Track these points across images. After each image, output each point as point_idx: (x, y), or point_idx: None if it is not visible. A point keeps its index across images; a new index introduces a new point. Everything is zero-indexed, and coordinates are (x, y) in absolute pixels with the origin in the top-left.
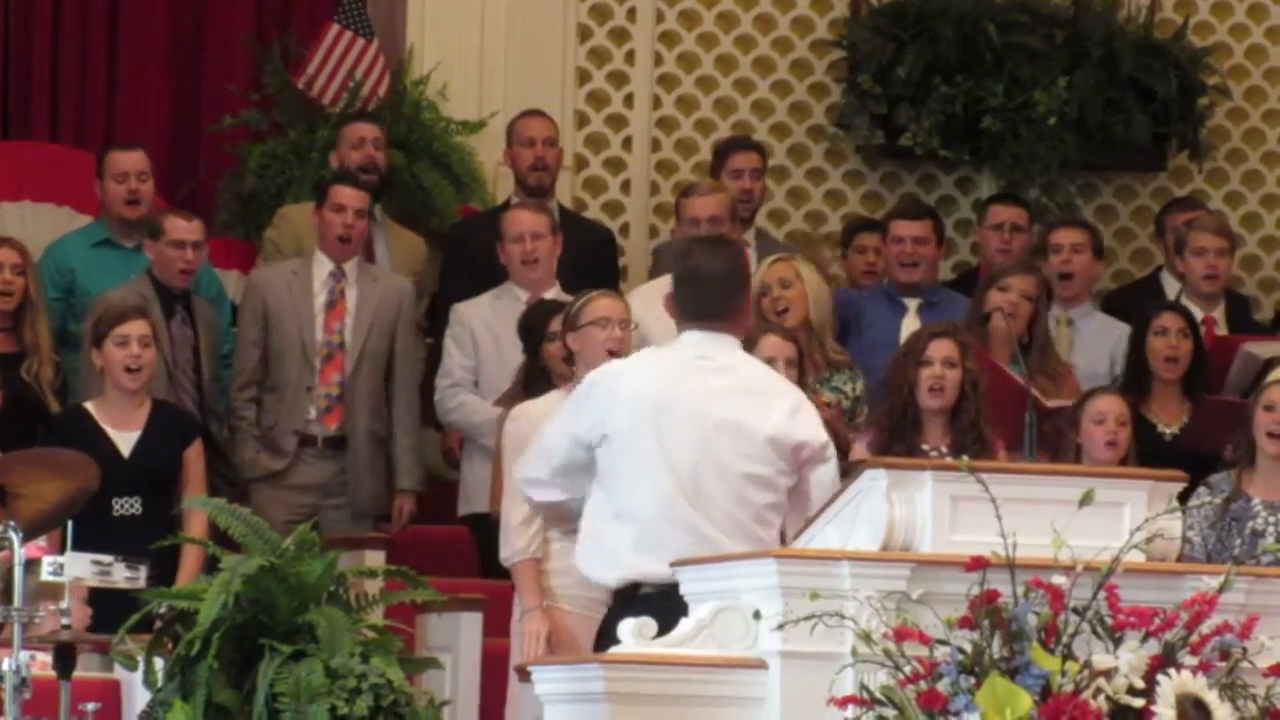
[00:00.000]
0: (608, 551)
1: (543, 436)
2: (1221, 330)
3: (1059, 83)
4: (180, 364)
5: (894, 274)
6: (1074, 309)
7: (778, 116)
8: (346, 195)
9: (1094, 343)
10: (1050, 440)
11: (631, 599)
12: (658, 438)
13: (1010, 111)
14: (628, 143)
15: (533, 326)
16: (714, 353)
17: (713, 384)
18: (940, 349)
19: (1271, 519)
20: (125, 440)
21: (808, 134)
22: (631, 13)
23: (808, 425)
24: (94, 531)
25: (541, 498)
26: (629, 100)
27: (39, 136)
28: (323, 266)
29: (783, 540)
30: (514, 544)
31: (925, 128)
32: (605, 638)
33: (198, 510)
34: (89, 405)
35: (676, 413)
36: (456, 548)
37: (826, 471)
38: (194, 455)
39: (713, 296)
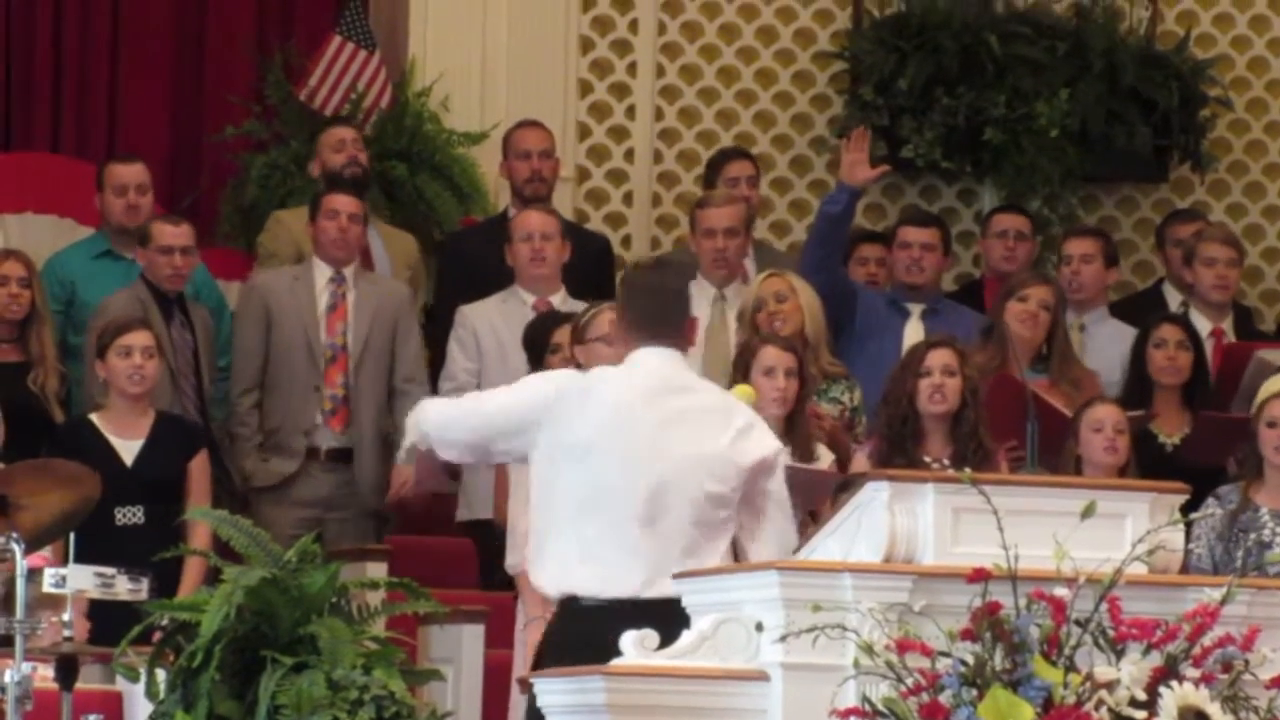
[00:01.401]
0: (555, 562)
1: (487, 405)
2: (1231, 341)
3: (1061, 94)
4: (181, 369)
5: (899, 277)
6: (1086, 314)
7: (780, 128)
8: (339, 202)
9: (1106, 349)
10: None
11: (571, 610)
12: (619, 457)
13: (1012, 123)
14: (629, 154)
15: (537, 338)
16: (671, 372)
17: (673, 404)
18: (939, 358)
19: (1279, 530)
20: (128, 449)
21: (810, 145)
22: (633, 24)
23: (762, 439)
24: (96, 541)
25: (445, 448)
26: (631, 112)
27: (40, 148)
28: (323, 272)
29: (736, 554)
30: (520, 551)
31: (927, 139)
32: (548, 647)
33: (200, 521)
34: (93, 416)
35: (640, 433)
36: (458, 559)
37: (778, 479)
38: (198, 466)
39: (669, 314)
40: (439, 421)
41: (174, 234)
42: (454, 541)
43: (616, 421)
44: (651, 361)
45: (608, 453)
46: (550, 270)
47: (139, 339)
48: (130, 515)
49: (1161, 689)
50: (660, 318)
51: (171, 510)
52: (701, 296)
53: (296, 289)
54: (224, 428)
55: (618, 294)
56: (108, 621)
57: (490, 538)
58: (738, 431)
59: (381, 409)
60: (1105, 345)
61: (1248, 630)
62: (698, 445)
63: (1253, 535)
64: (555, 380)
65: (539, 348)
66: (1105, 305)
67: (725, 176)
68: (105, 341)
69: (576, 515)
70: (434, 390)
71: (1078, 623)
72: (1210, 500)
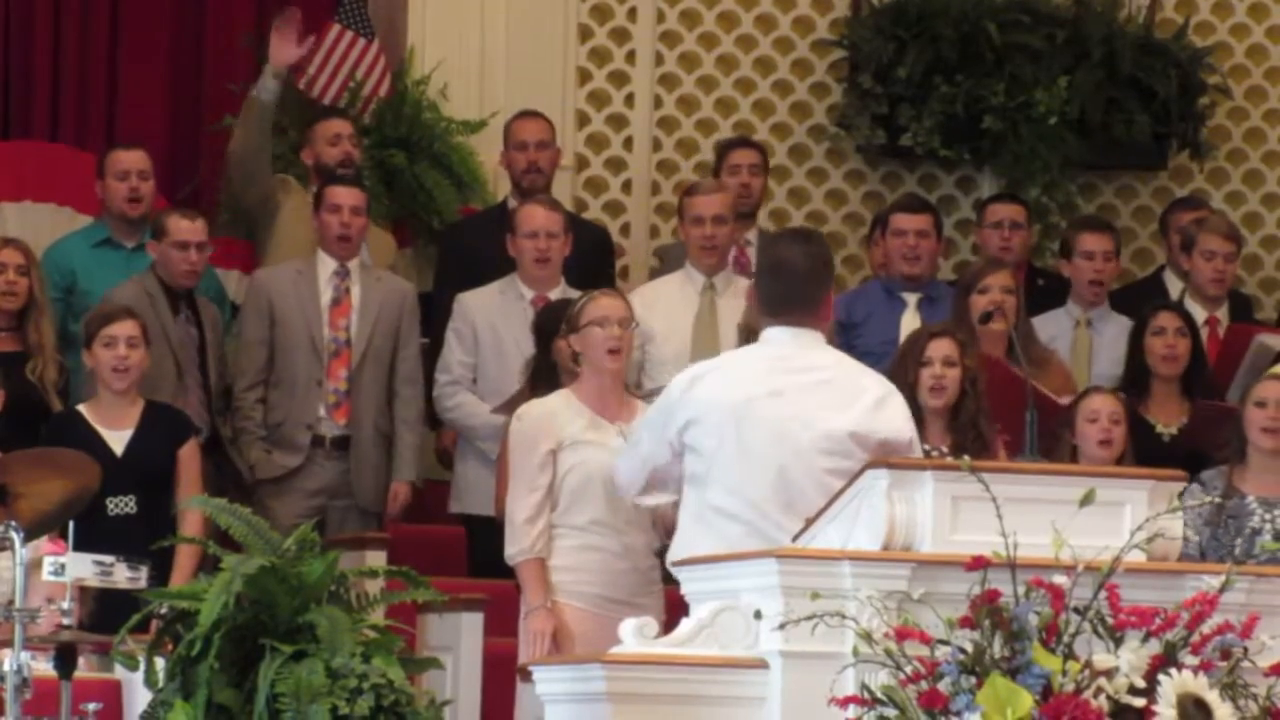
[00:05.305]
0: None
1: (636, 443)
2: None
3: (1059, 82)
4: (186, 365)
5: (896, 267)
6: (1092, 310)
7: (779, 116)
8: (341, 195)
9: (1114, 344)
10: (1054, 439)
11: None
12: (739, 442)
13: (1011, 111)
14: (629, 142)
15: (547, 324)
16: (796, 349)
17: (792, 381)
18: (939, 348)
19: (1267, 516)
20: (118, 439)
21: (809, 134)
22: (632, 12)
23: (892, 420)
24: (89, 530)
25: (649, 503)
26: (630, 100)
27: (40, 137)
28: (326, 265)
29: None
30: (520, 542)
31: (926, 127)
32: None
33: (192, 510)
34: (82, 407)
35: (756, 414)
36: (458, 548)
37: None
38: (188, 454)
39: (795, 290)
40: (626, 491)
41: (190, 229)
42: (453, 530)
43: (733, 408)
44: (773, 341)
45: (729, 441)
46: (554, 268)
47: (123, 329)
48: (122, 505)
49: (1160, 676)
50: (786, 299)
51: (163, 499)
52: (689, 284)
53: (300, 283)
54: (229, 420)
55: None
56: (107, 610)
57: (483, 532)
58: (863, 409)
59: (382, 405)
60: (1115, 341)
61: (1246, 618)
62: (812, 420)
63: (1247, 524)
64: (674, 390)
65: (548, 334)
66: (1106, 300)
67: (729, 163)
68: (91, 331)
69: (716, 507)
70: (430, 383)
71: (1076, 610)
72: (1194, 486)
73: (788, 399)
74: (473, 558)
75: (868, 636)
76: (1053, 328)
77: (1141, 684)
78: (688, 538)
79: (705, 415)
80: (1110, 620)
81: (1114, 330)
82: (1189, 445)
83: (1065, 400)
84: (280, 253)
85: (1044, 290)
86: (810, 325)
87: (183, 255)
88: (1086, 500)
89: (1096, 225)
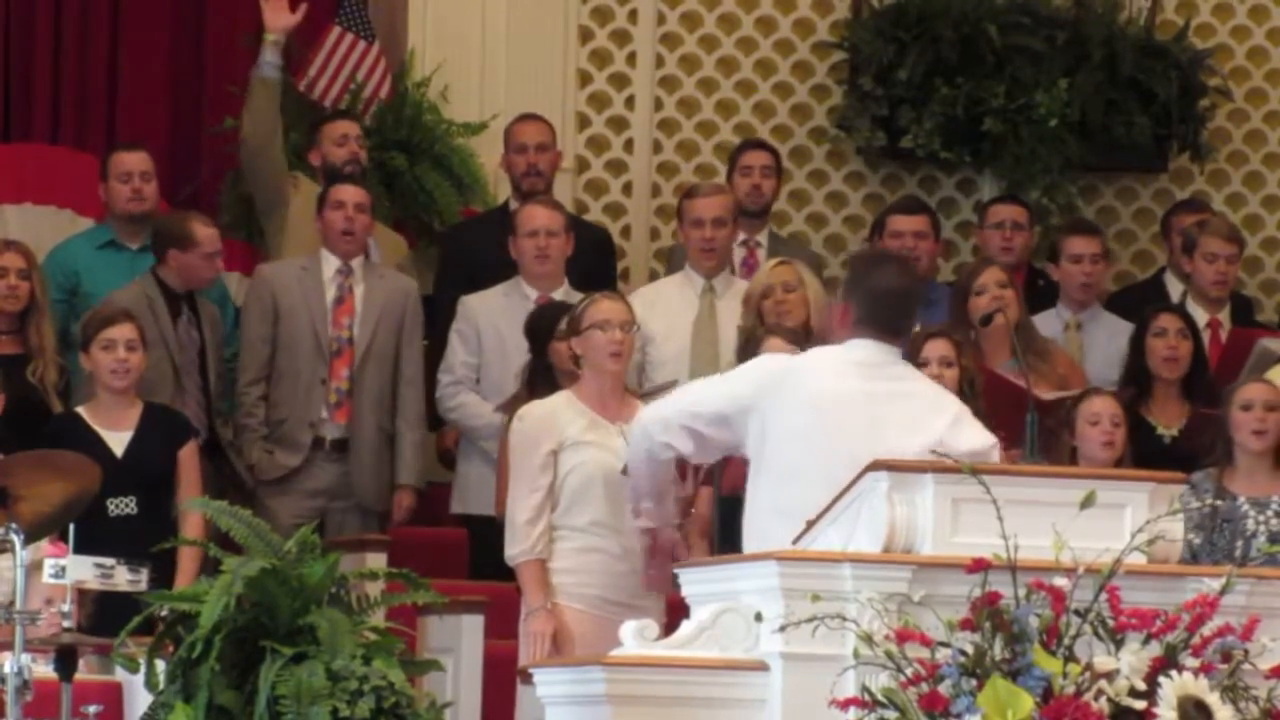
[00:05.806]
0: (774, 545)
1: (694, 390)
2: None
3: (1060, 84)
4: (185, 367)
5: None
6: (1083, 312)
7: (779, 118)
8: (345, 192)
9: (1106, 345)
10: (1050, 438)
11: None
12: (825, 436)
13: (1011, 113)
14: (629, 145)
15: (540, 327)
16: (880, 360)
17: (878, 388)
18: (936, 349)
19: (1260, 518)
20: (118, 440)
21: (809, 136)
22: (633, 14)
23: (973, 432)
24: (89, 532)
25: (663, 438)
26: (630, 102)
27: (40, 139)
28: (330, 264)
29: None
30: (520, 543)
31: (926, 129)
32: None
33: (193, 511)
34: (81, 409)
35: (843, 413)
36: (458, 550)
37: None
38: (188, 455)
39: (888, 314)
40: (653, 417)
41: (216, 236)
42: (454, 532)
43: (823, 403)
44: (859, 348)
45: (815, 435)
46: (555, 266)
47: (122, 332)
48: (123, 506)
49: (1161, 679)
50: (876, 320)
51: (164, 500)
52: (689, 286)
53: (305, 280)
54: (230, 420)
55: (844, 288)
56: (108, 612)
57: (485, 532)
58: (945, 422)
59: (384, 405)
60: (1104, 342)
61: (1247, 620)
62: (897, 427)
63: (1241, 526)
64: (766, 366)
65: (543, 336)
66: (1097, 301)
67: (741, 164)
68: (89, 334)
69: (793, 501)
70: (432, 384)
71: (1077, 613)
72: (1185, 490)
73: (875, 403)
74: (474, 558)
75: (868, 639)
76: (1044, 330)
77: (1142, 686)
78: (763, 529)
79: (796, 406)
80: (1111, 622)
81: (1106, 332)
82: (1189, 448)
83: (1072, 390)
84: (288, 249)
85: (1044, 291)
86: (892, 344)
87: (212, 264)
88: (1087, 502)
89: (1083, 228)
